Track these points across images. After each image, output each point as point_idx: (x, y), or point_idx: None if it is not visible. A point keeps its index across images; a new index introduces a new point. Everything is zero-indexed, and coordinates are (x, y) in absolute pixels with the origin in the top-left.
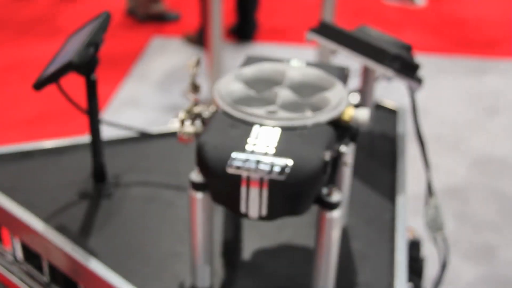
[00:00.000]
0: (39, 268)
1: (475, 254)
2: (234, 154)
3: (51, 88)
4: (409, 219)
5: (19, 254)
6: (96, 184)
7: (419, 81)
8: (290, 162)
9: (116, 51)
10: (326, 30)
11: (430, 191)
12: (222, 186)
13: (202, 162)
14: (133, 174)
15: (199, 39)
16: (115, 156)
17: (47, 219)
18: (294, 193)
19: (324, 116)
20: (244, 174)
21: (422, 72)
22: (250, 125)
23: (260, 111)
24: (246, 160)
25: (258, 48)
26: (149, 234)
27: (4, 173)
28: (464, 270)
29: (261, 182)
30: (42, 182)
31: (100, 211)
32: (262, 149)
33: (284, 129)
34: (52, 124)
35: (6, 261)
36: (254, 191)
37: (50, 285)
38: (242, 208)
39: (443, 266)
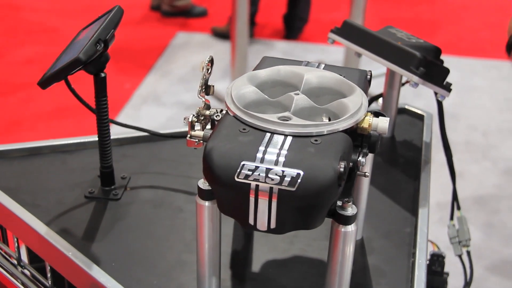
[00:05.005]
0: (43, 271)
1: (502, 268)
2: (243, 162)
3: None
4: (433, 229)
5: (23, 257)
6: (104, 187)
7: (448, 88)
8: (301, 172)
9: (140, 46)
10: (348, 31)
11: (456, 205)
12: (230, 196)
13: (209, 169)
14: (143, 177)
15: (227, 31)
16: (125, 157)
17: (50, 222)
18: (306, 206)
19: (341, 124)
20: (252, 184)
21: (454, 75)
22: (261, 131)
23: (272, 117)
24: (256, 169)
25: (301, 47)
26: (155, 241)
27: (9, 172)
28: (491, 284)
29: (270, 193)
30: (48, 182)
31: (106, 216)
32: (272, 157)
33: (297, 137)
34: (73, 118)
35: (9, 264)
36: (263, 202)
37: None
38: (250, 220)
39: (468, 284)
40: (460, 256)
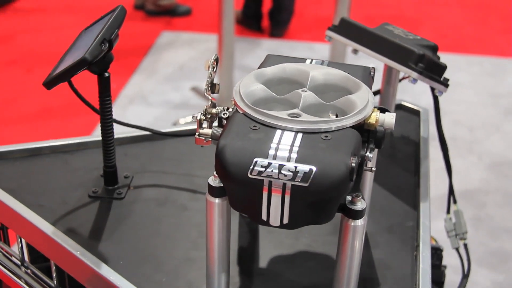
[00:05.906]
0: (47, 271)
1: (491, 260)
2: (256, 159)
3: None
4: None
5: (26, 256)
6: (107, 186)
7: (445, 84)
8: (314, 168)
9: (125, 46)
10: (346, 28)
11: (453, 199)
12: (243, 192)
13: (222, 166)
14: (145, 176)
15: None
16: (127, 156)
17: (55, 222)
18: (318, 201)
19: (350, 120)
20: (266, 180)
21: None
22: (272, 128)
23: (282, 114)
24: (268, 166)
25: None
26: (162, 239)
27: (11, 172)
28: (479, 277)
29: (283, 188)
30: (51, 183)
31: (111, 215)
32: (284, 154)
33: (308, 133)
34: (57, 119)
35: (12, 264)
36: (276, 198)
37: None
38: (263, 216)
39: (466, 277)
40: (457, 249)
